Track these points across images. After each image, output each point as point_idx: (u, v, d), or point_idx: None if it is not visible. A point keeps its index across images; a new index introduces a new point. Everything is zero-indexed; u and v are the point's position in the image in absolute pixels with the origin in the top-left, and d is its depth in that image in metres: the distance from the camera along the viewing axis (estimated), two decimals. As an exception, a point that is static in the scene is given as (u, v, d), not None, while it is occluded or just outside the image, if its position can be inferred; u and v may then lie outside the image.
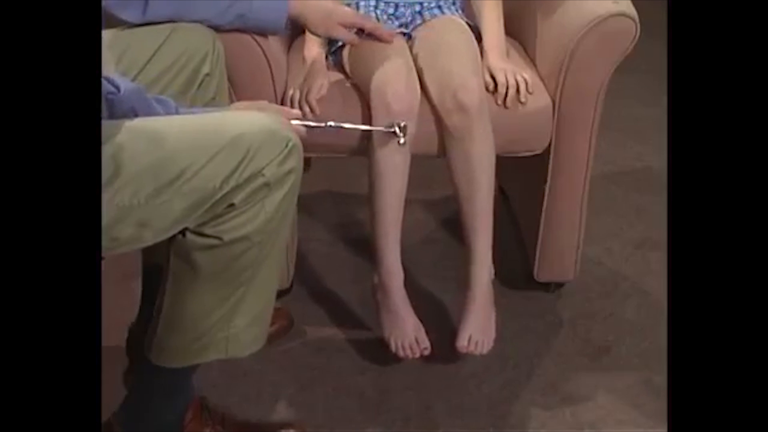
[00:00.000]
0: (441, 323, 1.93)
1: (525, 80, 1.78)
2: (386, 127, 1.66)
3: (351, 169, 2.40)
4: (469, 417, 1.73)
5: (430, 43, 1.83)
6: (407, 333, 1.76)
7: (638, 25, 1.73)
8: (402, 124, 1.64)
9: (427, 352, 1.77)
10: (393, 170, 1.71)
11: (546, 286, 2.05)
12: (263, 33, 1.65)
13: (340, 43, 1.84)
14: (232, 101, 1.62)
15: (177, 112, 1.34)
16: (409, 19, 1.90)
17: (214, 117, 1.34)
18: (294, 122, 1.43)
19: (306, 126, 1.46)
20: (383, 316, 1.78)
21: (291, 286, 2.01)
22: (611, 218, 2.34)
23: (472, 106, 1.68)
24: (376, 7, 1.89)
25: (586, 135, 1.83)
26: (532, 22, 1.93)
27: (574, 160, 1.85)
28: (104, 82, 1.24)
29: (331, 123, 1.58)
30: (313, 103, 1.73)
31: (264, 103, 1.46)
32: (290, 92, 1.76)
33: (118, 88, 1.25)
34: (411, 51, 1.83)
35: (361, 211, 2.33)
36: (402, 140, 1.65)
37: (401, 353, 1.76)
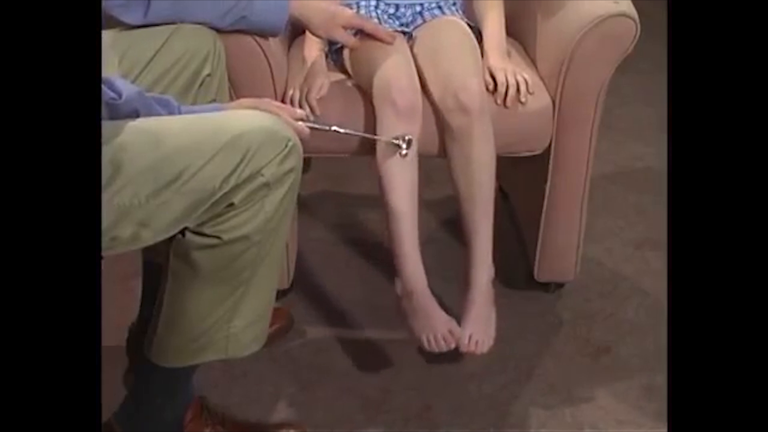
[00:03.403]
0: (441, 323, 1.93)
1: (525, 80, 1.78)
2: (392, 138, 1.65)
3: (351, 169, 2.41)
4: (469, 417, 1.73)
5: (431, 43, 1.83)
6: (438, 326, 1.71)
7: (638, 25, 1.73)
8: (407, 137, 1.63)
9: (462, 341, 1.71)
10: (401, 174, 1.69)
11: (546, 286, 2.05)
12: (263, 34, 1.65)
13: (340, 44, 1.84)
14: (232, 101, 1.62)
15: (179, 111, 1.34)
16: (410, 19, 1.90)
17: (214, 117, 1.34)
18: (299, 123, 1.42)
19: (310, 127, 1.45)
20: (412, 322, 1.73)
21: (291, 286, 2.01)
22: (611, 218, 2.34)
23: (473, 107, 1.68)
24: (376, 8, 1.89)
25: (586, 135, 1.83)
26: (532, 23, 1.93)
27: (574, 160, 1.85)
28: (106, 89, 1.24)
29: (336, 127, 1.56)
30: (314, 103, 1.73)
31: (267, 100, 1.46)
32: (290, 92, 1.76)
33: (119, 93, 1.25)
34: (411, 51, 1.83)
35: (361, 211, 2.34)
36: (404, 152, 1.64)
37: (435, 347, 1.71)
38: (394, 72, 1.70)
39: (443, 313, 1.75)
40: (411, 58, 1.79)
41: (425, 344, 1.73)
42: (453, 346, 1.72)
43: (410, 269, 1.73)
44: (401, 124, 1.67)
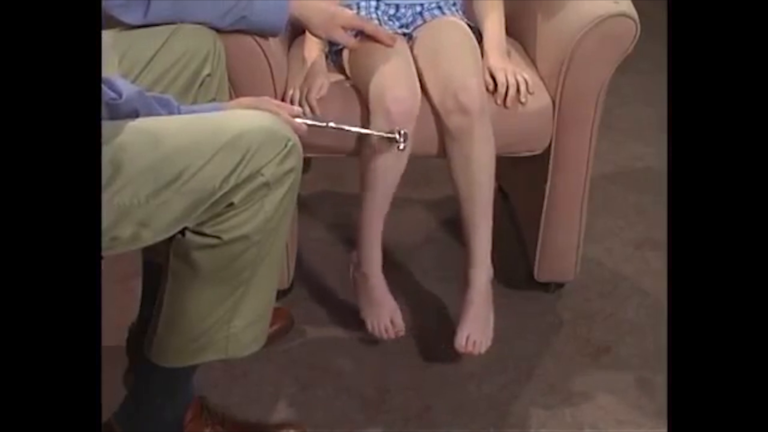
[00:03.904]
0: (441, 323, 1.93)
1: (525, 80, 1.78)
2: (387, 132, 1.66)
3: (351, 169, 2.39)
4: (469, 417, 1.73)
5: (431, 43, 1.83)
6: (383, 315, 1.80)
7: (638, 25, 1.73)
8: (403, 131, 1.64)
9: (401, 334, 1.80)
10: (386, 171, 1.72)
11: (546, 286, 2.05)
12: (263, 34, 1.65)
13: (340, 44, 1.84)
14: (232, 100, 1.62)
15: (179, 111, 1.34)
16: (410, 20, 1.90)
17: (214, 117, 1.34)
18: (296, 119, 1.43)
19: (307, 124, 1.45)
20: (360, 297, 1.82)
21: (291, 286, 2.01)
22: (611, 218, 2.34)
23: (473, 108, 1.68)
24: (377, 8, 1.89)
25: (586, 135, 1.83)
26: (532, 23, 1.93)
27: (574, 160, 1.85)
28: (106, 89, 1.24)
29: (332, 123, 1.57)
30: (313, 103, 1.73)
31: (266, 98, 1.46)
32: (290, 92, 1.76)
33: (120, 93, 1.25)
34: (411, 51, 1.83)
35: (361, 211, 2.33)
36: (402, 146, 1.65)
37: (376, 334, 1.80)
38: (391, 80, 1.70)
39: (390, 301, 1.81)
40: (411, 61, 1.79)
41: (368, 327, 1.81)
42: (393, 336, 1.80)
43: (369, 249, 1.79)
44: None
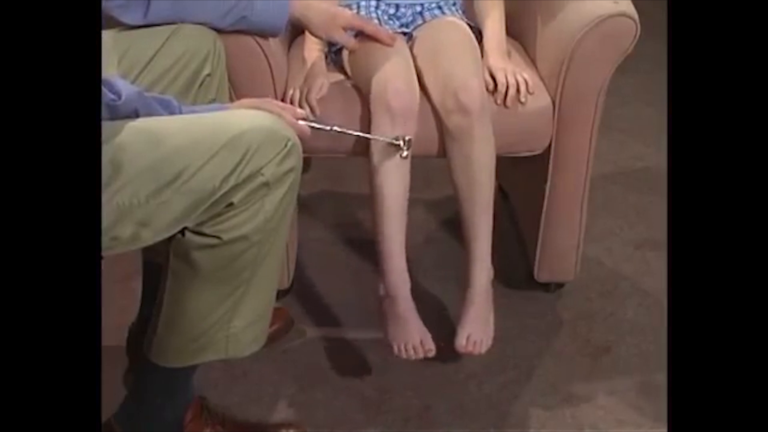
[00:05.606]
0: (441, 323, 1.93)
1: (525, 80, 1.78)
2: (392, 138, 1.65)
3: (351, 169, 2.40)
4: (469, 417, 1.73)
5: (431, 43, 1.83)
6: (413, 337, 1.72)
7: (638, 25, 1.73)
8: (407, 138, 1.63)
9: (431, 354, 1.74)
10: (393, 176, 1.70)
11: (546, 286, 2.05)
12: (264, 34, 1.66)
13: (340, 44, 1.84)
14: (232, 102, 1.62)
15: (180, 111, 1.34)
16: (410, 19, 1.90)
17: (214, 116, 1.34)
18: (300, 122, 1.42)
19: (311, 127, 1.45)
20: (389, 325, 1.74)
21: (291, 286, 2.01)
22: (611, 218, 2.34)
23: (473, 107, 1.68)
24: (377, 8, 1.89)
25: (586, 135, 1.83)
26: (532, 23, 1.93)
27: (574, 160, 1.85)
28: (105, 90, 1.24)
29: (337, 127, 1.56)
30: (314, 103, 1.73)
31: (268, 100, 1.46)
32: (290, 92, 1.76)
33: (119, 94, 1.25)
34: (411, 51, 1.83)
35: (361, 211, 2.34)
36: (405, 153, 1.64)
37: (404, 354, 1.73)
38: (391, 74, 1.69)
39: (419, 323, 1.75)
40: (411, 60, 1.79)
41: (395, 350, 1.73)
42: (421, 356, 1.73)
43: (395, 274, 1.73)
44: (396, 128, 1.67)
